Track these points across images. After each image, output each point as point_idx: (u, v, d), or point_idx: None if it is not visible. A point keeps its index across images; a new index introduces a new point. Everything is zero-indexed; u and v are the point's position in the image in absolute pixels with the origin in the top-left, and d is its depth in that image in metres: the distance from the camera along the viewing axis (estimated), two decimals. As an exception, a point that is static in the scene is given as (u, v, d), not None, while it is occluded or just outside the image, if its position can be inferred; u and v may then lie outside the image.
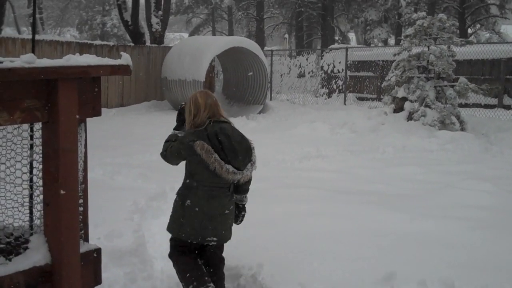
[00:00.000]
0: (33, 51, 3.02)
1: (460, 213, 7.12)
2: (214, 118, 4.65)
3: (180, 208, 4.71)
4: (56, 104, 2.68)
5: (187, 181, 4.72)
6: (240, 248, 5.62)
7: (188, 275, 4.67)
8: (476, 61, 19.39)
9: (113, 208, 7.17)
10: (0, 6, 24.11)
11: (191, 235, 4.66)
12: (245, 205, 5.00)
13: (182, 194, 4.73)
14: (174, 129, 4.92)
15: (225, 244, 4.94)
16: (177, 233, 4.74)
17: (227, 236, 4.80)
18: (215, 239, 4.70)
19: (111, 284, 5.00)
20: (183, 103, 4.94)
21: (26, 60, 2.52)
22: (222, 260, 4.94)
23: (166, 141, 4.80)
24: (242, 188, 4.86)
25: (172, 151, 4.69)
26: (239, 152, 4.57)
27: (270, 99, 22.87)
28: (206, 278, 4.65)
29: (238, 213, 4.98)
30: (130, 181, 8.92)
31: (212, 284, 4.62)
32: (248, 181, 4.83)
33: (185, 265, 4.74)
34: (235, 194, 4.88)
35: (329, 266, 5.20)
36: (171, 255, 4.89)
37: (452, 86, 14.99)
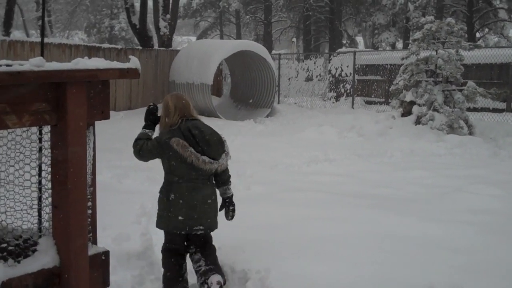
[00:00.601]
0: (42, 55, 3.03)
1: (468, 217, 7.09)
2: (185, 117, 5.02)
3: (166, 203, 5.03)
4: (65, 107, 2.68)
5: (168, 177, 5.04)
6: (247, 251, 5.62)
7: (168, 276, 5.11)
8: (484, 65, 19.35)
9: (120, 211, 7.19)
10: (8, 9, 24.20)
11: (179, 227, 5.00)
12: (232, 198, 5.28)
13: (165, 190, 5.05)
14: (144, 128, 5.18)
15: (231, 248, 5.14)
16: (167, 227, 5.07)
17: (212, 225, 5.14)
18: (201, 227, 5.05)
19: (119, 286, 5.02)
20: (152, 104, 5.27)
21: (35, 63, 2.53)
22: (209, 242, 5.26)
23: (138, 139, 5.08)
24: (221, 179, 5.21)
25: (148, 149, 4.98)
26: (212, 143, 4.97)
27: (278, 103, 22.87)
28: (182, 285, 5.10)
29: (227, 209, 5.28)
30: (138, 184, 8.93)
31: None
32: (225, 171, 5.18)
33: (169, 268, 5.12)
34: (217, 187, 5.23)
35: (337, 270, 5.18)
36: (162, 251, 5.24)
37: (461, 90, 14.97)
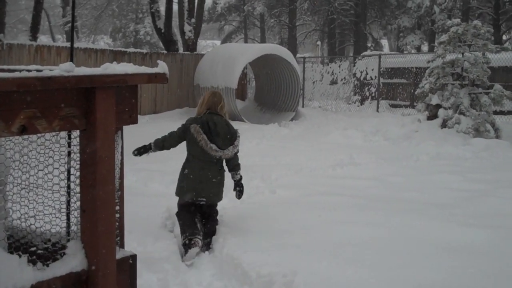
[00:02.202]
0: (71, 60, 3.06)
1: (496, 221, 7.02)
2: (210, 111, 6.50)
3: (182, 176, 6.54)
4: (94, 112, 2.70)
5: (187, 155, 6.55)
6: (273, 255, 5.62)
7: (184, 225, 6.30)
8: (511, 68, 19.14)
9: (146, 214, 7.23)
10: (36, 14, 24.47)
11: (188, 196, 6.42)
12: (241, 182, 6.70)
13: (183, 165, 6.57)
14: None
15: (257, 251, 5.63)
16: (179, 194, 6.55)
17: (214, 199, 6.53)
18: (204, 199, 6.44)
19: (145, 290, 5.03)
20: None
21: (65, 68, 2.55)
22: (212, 215, 6.61)
23: (158, 139, 6.65)
24: (229, 165, 6.61)
25: (176, 134, 6.51)
26: (221, 135, 6.38)
27: (303, 106, 22.85)
28: (196, 231, 6.21)
29: (235, 189, 6.71)
30: (164, 187, 8.96)
31: (199, 237, 6.14)
32: (233, 160, 6.56)
33: (184, 219, 6.38)
34: (229, 172, 6.64)
35: (364, 275, 5.16)
36: (177, 213, 6.55)
37: (487, 93, 14.83)
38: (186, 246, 6.08)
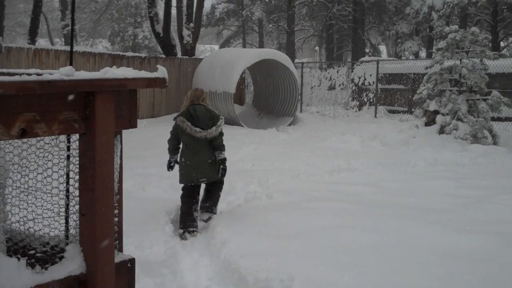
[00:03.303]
0: (71, 64, 3.07)
1: (493, 228, 7.03)
2: (193, 103, 7.43)
3: (180, 165, 7.50)
4: (94, 116, 2.71)
5: (181, 147, 7.51)
6: (270, 260, 5.63)
7: (183, 215, 7.30)
8: (509, 75, 19.14)
9: (144, 218, 7.23)
10: (34, 18, 24.49)
11: (188, 180, 7.39)
12: (225, 161, 7.46)
13: (180, 156, 7.53)
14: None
15: (254, 256, 5.72)
16: (181, 181, 7.45)
17: (213, 177, 7.43)
18: (205, 179, 7.43)
19: (143, 294, 5.03)
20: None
21: (65, 72, 2.56)
22: (216, 188, 7.67)
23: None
24: (214, 146, 7.38)
25: (171, 133, 7.58)
26: (201, 118, 7.29)
27: (300, 111, 22.86)
28: (190, 223, 7.21)
29: (219, 167, 7.44)
30: (161, 192, 8.97)
31: (192, 229, 7.17)
32: (216, 140, 7.34)
33: (184, 207, 7.34)
34: (215, 152, 7.39)
35: (361, 280, 5.17)
36: (181, 196, 7.49)
37: (485, 100, 14.86)
38: (180, 236, 7.16)
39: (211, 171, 7.35)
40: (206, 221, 7.50)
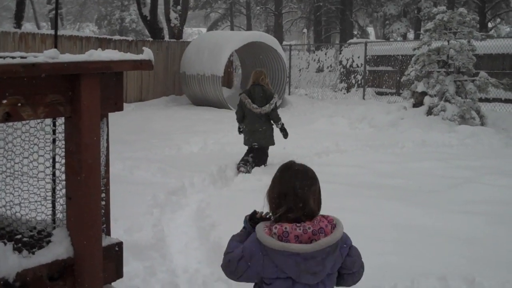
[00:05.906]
0: (55, 46, 3.04)
1: (481, 208, 7.07)
2: (254, 83, 9.77)
3: (243, 130, 9.90)
4: (79, 99, 2.68)
5: (245, 117, 9.77)
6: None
7: (243, 157, 9.67)
8: (496, 56, 19.22)
9: (132, 202, 7.20)
10: (20, 2, 24.28)
11: (245, 143, 9.86)
12: (283, 127, 9.96)
13: (244, 124, 9.86)
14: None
15: None
16: (244, 143, 9.86)
17: (262, 142, 9.76)
18: (256, 144, 9.73)
19: (131, 277, 5.03)
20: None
21: (49, 55, 2.53)
22: (261, 158, 9.77)
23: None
24: (271, 118, 9.81)
25: (237, 107, 9.93)
26: (257, 97, 9.64)
27: (289, 94, 22.86)
28: (243, 162, 9.49)
29: (281, 133, 10.00)
30: (150, 175, 8.95)
31: (243, 164, 9.43)
32: (272, 114, 9.75)
33: (244, 155, 9.76)
34: (273, 123, 9.89)
35: (349, 261, 5.17)
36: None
37: (472, 81, 14.89)
38: (237, 168, 9.48)
39: (261, 138, 9.71)
40: (246, 172, 9.33)
